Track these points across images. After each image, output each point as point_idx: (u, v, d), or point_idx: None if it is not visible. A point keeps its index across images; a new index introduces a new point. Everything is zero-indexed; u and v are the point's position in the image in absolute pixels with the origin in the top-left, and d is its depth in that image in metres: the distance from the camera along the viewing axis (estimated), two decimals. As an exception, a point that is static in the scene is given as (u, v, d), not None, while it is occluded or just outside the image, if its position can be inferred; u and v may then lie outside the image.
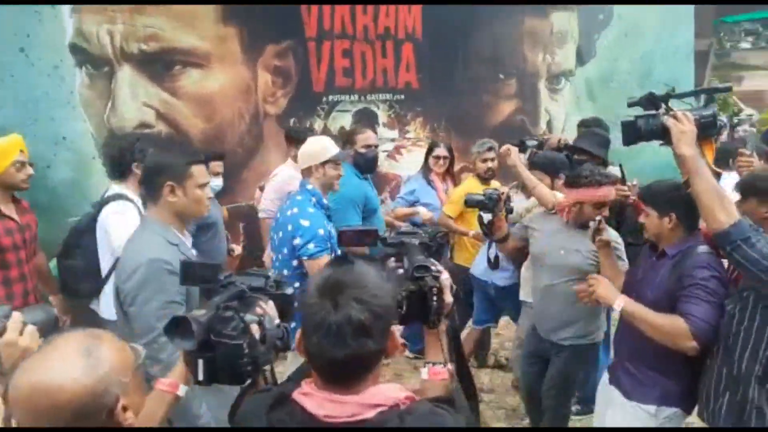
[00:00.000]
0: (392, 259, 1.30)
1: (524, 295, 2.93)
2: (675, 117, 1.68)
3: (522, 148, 3.23)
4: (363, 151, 3.02)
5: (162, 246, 1.71)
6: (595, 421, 2.28)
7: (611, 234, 2.17)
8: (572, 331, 2.37)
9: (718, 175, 1.85)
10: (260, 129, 3.91)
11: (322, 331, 0.91)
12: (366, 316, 0.92)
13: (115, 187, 2.56)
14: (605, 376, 2.16)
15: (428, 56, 4.18)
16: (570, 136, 4.52)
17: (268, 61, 3.87)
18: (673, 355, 1.80)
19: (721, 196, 1.64)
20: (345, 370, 0.95)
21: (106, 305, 2.41)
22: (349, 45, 3.99)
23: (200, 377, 1.13)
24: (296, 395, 0.98)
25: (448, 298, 1.21)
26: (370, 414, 0.93)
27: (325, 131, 4.05)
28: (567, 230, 2.36)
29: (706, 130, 1.77)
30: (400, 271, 1.25)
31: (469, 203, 2.59)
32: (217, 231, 2.95)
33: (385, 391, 0.97)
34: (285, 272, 2.30)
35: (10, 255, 2.37)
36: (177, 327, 1.09)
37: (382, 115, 4.22)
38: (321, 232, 2.27)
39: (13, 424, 0.94)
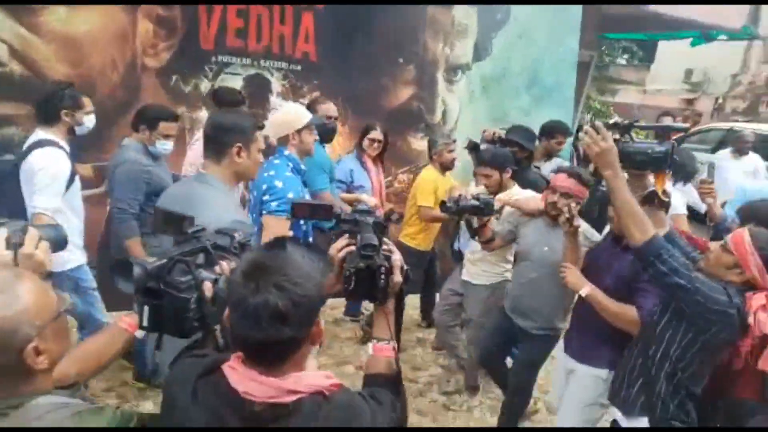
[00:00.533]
0: (346, 235, 1.32)
1: (467, 275, 3.18)
2: (589, 135, 1.75)
3: (475, 148, 3.48)
4: (325, 121, 3.21)
5: (231, 205, 1.83)
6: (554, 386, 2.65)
7: (582, 223, 2.37)
8: (542, 322, 2.61)
9: (665, 206, 1.96)
10: (137, 82, 3.56)
11: (241, 311, 0.94)
12: (284, 303, 0.93)
13: (41, 133, 2.47)
14: (561, 344, 2.45)
15: (330, 29, 4.05)
16: (463, 127, 4.71)
17: (150, 8, 3.50)
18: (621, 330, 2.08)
19: (636, 215, 1.75)
20: (261, 352, 0.97)
21: None
22: (245, 5, 3.73)
23: (144, 323, 1.14)
24: (224, 367, 0.99)
25: (398, 277, 1.25)
26: (288, 398, 0.95)
27: (212, 93, 3.78)
28: (551, 230, 2.54)
29: (657, 164, 1.89)
30: (353, 248, 1.27)
31: (464, 209, 2.55)
32: None
33: (308, 378, 0.99)
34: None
35: None
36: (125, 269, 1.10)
37: (277, 84, 4.03)
38: (290, 195, 2.32)
39: None
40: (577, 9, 5.00)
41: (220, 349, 1.19)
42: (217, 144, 1.83)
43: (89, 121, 2.73)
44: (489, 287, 3.10)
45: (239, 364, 0.99)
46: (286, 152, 2.49)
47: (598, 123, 1.82)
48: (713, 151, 7.39)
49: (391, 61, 4.36)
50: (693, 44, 8.17)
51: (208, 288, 1.13)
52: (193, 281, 1.12)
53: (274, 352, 0.97)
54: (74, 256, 2.48)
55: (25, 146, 2.49)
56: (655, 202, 1.95)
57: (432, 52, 4.49)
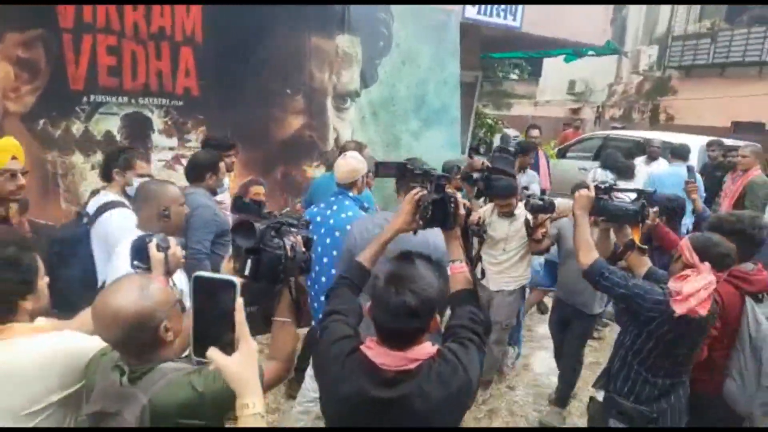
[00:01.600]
0: (418, 187, 1.73)
1: (494, 284, 3.48)
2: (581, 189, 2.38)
3: (467, 178, 3.79)
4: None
5: None
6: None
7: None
8: (590, 305, 3.30)
9: (643, 251, 2.33)
10: (-2, 128, 3.31)
11: (383, 308, 1.34)
12: (415, 303, 1.31)
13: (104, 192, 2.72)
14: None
15: (211, 63, 4.00)
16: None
17: (9, 51, 3.29)
18: None
19: (586, 245, 2.24)
20: (395, 337, 1.36)
21: None
22: (116, 42, 3.60)
23: (246, 272, 1.44)
24: (363, 348, 1.39)
25: (461, 209, 1.67)
26: (412, 365, 1.34)
27: (87, 134, 3.60)
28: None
29: (631, 219, 2.31)
30: (425, 192, 1.69)
31: (534, 209, 3.12)
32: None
33: (422, 349, 1.36)
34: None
35: None
36: (241, 229, 1.48)
37: (158, 121, 3.91)
38: None
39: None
40: (456, 35, 5.30)
41: (292, 296, 1.56)
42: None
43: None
44: (514, 292, 3.47)
45: (374, 344, 1.38)
46: (351, 194, 2.81)
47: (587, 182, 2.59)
48: (594, 158, 8.03)
49: (278, 92, 4.38)
50: (566, 60, 8.89)
51: (289, 249, 1.48)
52: (281, 243, 1.48)
53: (406, 338, 1.36)
54: None
55: (92, 204, 2.66)
56: (635, 249, 2.31)
57: (319, 80, 4.56)
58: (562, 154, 8.94)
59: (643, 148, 7.41)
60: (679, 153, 5.39)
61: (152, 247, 1.67)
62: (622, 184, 4.11)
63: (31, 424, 1.39)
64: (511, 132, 11.56)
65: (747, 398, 2.30)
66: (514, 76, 25.66)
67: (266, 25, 4.20)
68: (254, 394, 1.07)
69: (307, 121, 4.57)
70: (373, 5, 4.74)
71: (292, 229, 1.59)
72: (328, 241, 2.74)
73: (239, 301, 1.07)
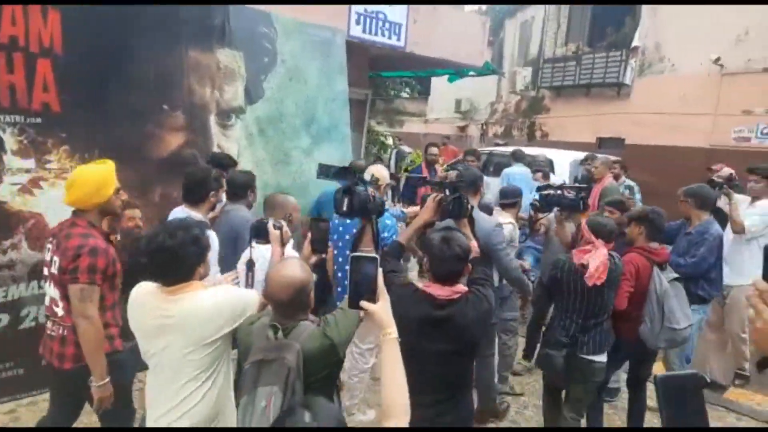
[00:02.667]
0: (437, 193, 2.64)
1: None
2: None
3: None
4: None
5: None
6: None
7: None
8: None
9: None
10: None
11: (440, 258, 2.19)
12: (460, 252, 2.18)
13: (189, 211, 3.10)
14: None
15: (74, 77, 3.64)
16: (247, 167, 4.62)
17: None
18: None
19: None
20: (447, 277, 2.21)
21: None
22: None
23: (344, 209, 2.49)
24: (423, 287, 2.25)
25: (469, 206, 2.64)
26: (455, 296, 2.21)
27: None
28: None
29: (573, 208, 3.85)
30: (441, 195, 2.60)
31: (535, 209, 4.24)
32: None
33: (460, 287, 2.25)
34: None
35: (117, 280, 2.61)
36: (341, 172, 2.71)
37: (11, 140, 3.48)
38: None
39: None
40: (342, 52, 5.33)
41: (374, 232, 2.62)
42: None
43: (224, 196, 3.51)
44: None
45: (429, 284, 2.24)
46: None
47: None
48: (481, 171, 8.46)
49: (154, 109, 4.09)
50: (450, 80, 9.35)
51: (372, 194, 2.56)
52: (366, 189, 2.53)
53: (453, 277, 2.22)
54: None
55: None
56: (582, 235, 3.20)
57: (200, 96, 4.34)
58: (450, 169, 9.32)
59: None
60: (518, 156, 7.17)
61: (270, 227, 2.50)
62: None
63: (209, 350, 1.97)
64: (405, 148, 11.92)
65: (654, 336, 3.26)
66: (405, 95, 26.55)
67: (137, 37, 3.93)
68: (391, 325, 1.57)
69: (189, 138, 4.32)
70: (253, 21, 4.63)
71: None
72: (347, 238, 3.39)
73: (379, 270, 1.56)
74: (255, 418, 1.70)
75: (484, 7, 26.78)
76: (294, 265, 1.91)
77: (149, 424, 2.06)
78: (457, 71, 8.50)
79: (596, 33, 14.13)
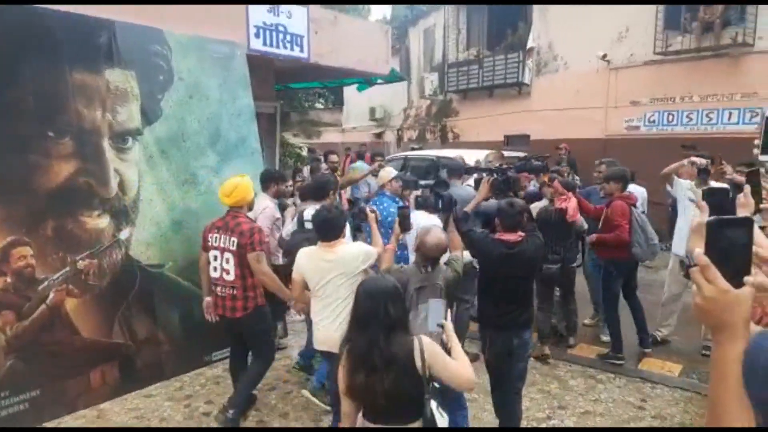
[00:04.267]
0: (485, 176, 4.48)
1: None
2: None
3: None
4: None
5: None
6: None
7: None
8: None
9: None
10: None
11: (509, 214, 3.41)
12: (522, 208, 3.50)
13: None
14: None
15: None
16: (147, 193, 4.41)
17: None
18: None
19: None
20: (514, 227, 3.40)
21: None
22: None
23: (437, 207, 3.97)
24: (498, 235, 3.42)
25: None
26: (519, 239, 3.37)
27: None
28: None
29: (537, 171, 5.61)
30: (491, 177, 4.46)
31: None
32: None
33: (520, 232, 3.41)
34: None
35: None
36: (439, 184, 4.84)
37: None
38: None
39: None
40: (243, 66, 5.22)
41: (456, 221, 3.68)
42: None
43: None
44: None
45: (501, 233, 3.42)
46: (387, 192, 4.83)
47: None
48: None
49: (38, 136, 3.80)
50: (359, 89, 9.44)
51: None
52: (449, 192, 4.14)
53: (517, 227, 3.42)
54: None
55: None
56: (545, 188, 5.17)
57: (90, 120, 4.08)
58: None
59: (436, 165, 8.17)
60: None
61: (368, 210, 3.90)
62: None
63: (352, 281, 3.08)
64: (334, 158, 11.88)
65: (644, 253, 4.84)
66: (319, 105, 26.50)
67: (11, 60, 3.64)
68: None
69: (81, 166, 4.04)
70: (143, 38, 4.43)
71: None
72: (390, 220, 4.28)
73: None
74: (417, 325, 2.82)
75: (388, 15, 27.32)
76: (441, 233, 3.19)
77: (317, 331, 3.40)
78: (365, 80, 8.59)
79: (494, 37, 14.82)
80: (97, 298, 4.19)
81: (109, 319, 4.28)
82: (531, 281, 3.60)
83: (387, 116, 20.12)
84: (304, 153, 11.52)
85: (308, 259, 3.31)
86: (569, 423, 3.98)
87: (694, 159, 4.98)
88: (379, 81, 8.76)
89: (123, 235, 4.33)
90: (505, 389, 3.44)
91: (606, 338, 5.25)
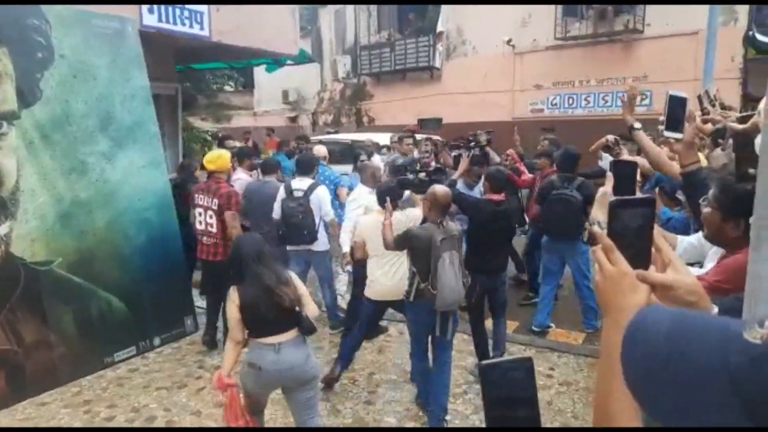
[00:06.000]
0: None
1: None
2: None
3: None
4: None
5: None
6: None
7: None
8: None
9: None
10: None
11: (496, 180, 4.27)
12: (504, 176, 4.58)
13: (307, 180, 4.92)
14: None
15: None
16: (28, 184, 3.98)
17: None
18: None
19: None
20: (500, 189, 4.27)
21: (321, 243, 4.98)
22: None
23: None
24: (488, 197, 4.23)
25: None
26: (503, 198, 4.32)
27: None
28: None
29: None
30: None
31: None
32: None
33: (503, 194, 4.36)
34: None
35: None
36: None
37: None
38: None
39: None
40: (136, 44, 4.83)
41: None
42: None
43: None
44: None
45: (489, 195, 4.24)
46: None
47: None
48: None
49: None
50: (268, 70, 9.11)
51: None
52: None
53: (502, 190, 4.30)
54: None
55: (306, 187, 4.82)
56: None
57: (-48, 102, 3.60)
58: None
59: (351, 147, 8.10)
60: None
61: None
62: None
63: None
64: (232, 143, 11.41)
65: None
66: (228, 88, 25.45)
67: None
68: None
69: (-55, 154, 3.57)
70: (17, 11, 3.96)
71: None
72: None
73: None
74: (447, 270, 3.36)
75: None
76: (443, 186, 3.61)
77: (378, 285, 3.99)
78: (273, 60, 8.29)
79: (404, 20, 14.89)
80: (-25, 301, 3.75)
81: (-9, 324, 3.85)
82: (510, 234, 4.53)
83: (301, 99, 19.69)
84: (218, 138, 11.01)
85: (371, 226, 3.91)
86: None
87: (608, 136, 5.30)
88: (288, 62, 8.50)
89: (1, 230, 3.90)
90: (480, 320, 4.35)
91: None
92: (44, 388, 4.12)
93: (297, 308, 2.82)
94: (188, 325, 5.09)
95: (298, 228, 4.72)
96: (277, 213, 4.86)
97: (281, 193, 4.88)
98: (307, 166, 5.02)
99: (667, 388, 0.58)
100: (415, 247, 3.48)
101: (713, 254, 2.01)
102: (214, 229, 4.61)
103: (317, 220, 4.80)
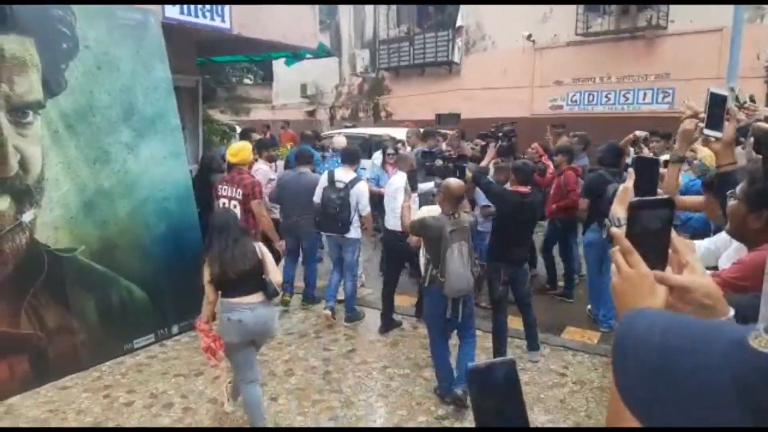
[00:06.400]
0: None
1: None
2: None
3: None
4: None
5: None
6: None
7: None
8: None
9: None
10: None
11: (524, 173, 4.41)
12: (530, 170, 4.66)
13: (351, 172, 5.24)
14: None
15: None
16: (52, 172, 4.07)
17: None
18: None
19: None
20: (527, 182, 4.40)
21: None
22: None
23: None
24: (513, 187, 4.39)
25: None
26: (530, 190, 4.44)
27: None
28: None
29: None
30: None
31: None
32: None
33: (529, 186, 4.52)
34: None
35: None
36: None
37: None
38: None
39: None
40: (158, 36, 4.89)
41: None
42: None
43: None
44: None
45: (516, 186, 4.38)
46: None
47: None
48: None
49: None
50: (287, 63, 9.15)
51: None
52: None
53: (529, 182, 4.48)
54: None
55: (348, 180, 5.11)
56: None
57: (-19, 92, 3.69)
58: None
59: (368, 143, 8.11)
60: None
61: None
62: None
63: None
64: (256, 135, 11.50)
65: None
66: (248, 81, 25.57)
67: None
68: None
69: (-27, 142, 3.66)
70: (43, 2, 4.03)
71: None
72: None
73: None
74: (455, 260, 3.60)
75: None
76: (457, 179, 3.84)
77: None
78: (292, 54, 8.33)
79: (423, 14, 14.82)
80: (0, 285, 3.86)
81: (15, 309, 3.96)
82: (534, 226, 4.61)
83: (319, 93, 19.75)
84: (237, 131, 11.10)
85: (430, 212, 4.10)
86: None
87: (637, 133, 5.30)
88: (307, 56, 8.52)
89: (26, 217, 3.99)
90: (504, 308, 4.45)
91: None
92: (66, 372, 4.22)
93: (264, 276, 3.35)
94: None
95: (333, 218, 5.04)
96: (317, 198, 5.15)
97: (323, 181, 5.18)
98: (353, 157, 5.30)
99: (665, 402, 0.57)
100: (428, 236, 3.74)
101: (727, 256, 1.99)
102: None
103: (353, 214, 5.06)
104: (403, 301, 5.75)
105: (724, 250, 2.04)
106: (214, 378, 4.27)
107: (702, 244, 2.26)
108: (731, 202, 1.76)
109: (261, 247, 3.44)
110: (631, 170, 1.12)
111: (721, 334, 0.57)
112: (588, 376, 4.38)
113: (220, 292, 3.36)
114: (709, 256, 2.18)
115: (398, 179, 5.06)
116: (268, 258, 3.41)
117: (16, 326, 3.96)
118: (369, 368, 4.44)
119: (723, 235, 2.02)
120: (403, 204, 4.08)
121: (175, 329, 4.92)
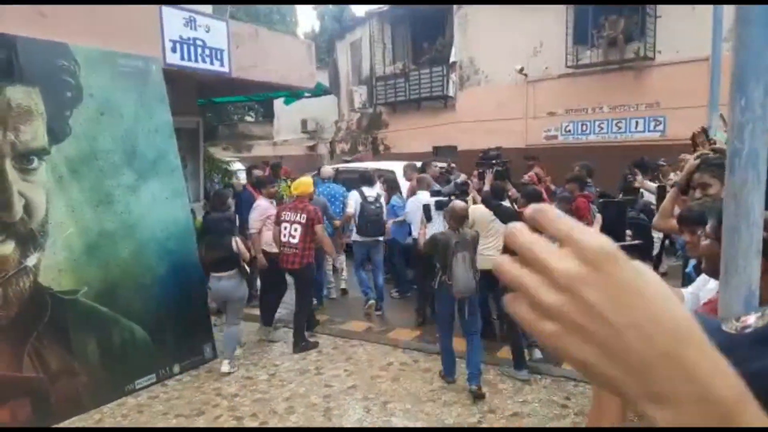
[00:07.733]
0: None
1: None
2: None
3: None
4: None
5: None
6: None
7: None
8: None
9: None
10: None
11: (531, 195, 4.92)
12: (536, 192, 5.23)
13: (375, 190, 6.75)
14: None
15: None
16: (56, 215, 4.16)
17: None
18: None
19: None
20: (535, 201, 3.49)
21: None
22: None
23: None
24: (519, 208, 4.88)
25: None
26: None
27: None
28: None
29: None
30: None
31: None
32: None
33: None
34: None
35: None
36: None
37: None
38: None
39: None
40: (160, 81, 5.06)
41: None
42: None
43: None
44: None
45: (523, 207, 4.08)
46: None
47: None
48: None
49: (-72, 159, 3.52)
50: (286, 102, 9.37)
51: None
52: None
53: (537, 201, 3.71)
54: None
55: (375, 195, 6.66)
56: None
57: (-10, 140, 3.82)
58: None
59: (364, 176, 8.25)
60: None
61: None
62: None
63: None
64: (258, 172, 11.65)
65: None
66: (249, 119, 25.98)
67: None
68: None
69: (-21, 189, 3.77)
70: (47, 53, 4.21)
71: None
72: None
73: None
74: (459, 266, 4.27)
75: (317, 27, 27.28)
76: (462, 203, 4.67)
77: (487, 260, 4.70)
78: (292, 93, 8.55)
79: (418, 51, 15.20)
80: (4, 329, 3.91)
81: (18, 352, 4.00)
82: None
83: (319, 129, 20.09)
84: (235, 166, 11.26)
85: (480, 212, 5.04)
86: (499, 426, 4.10)
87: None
88: (306, 95, 8.75)
89: (30, 261, 4.07)
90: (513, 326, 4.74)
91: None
92: (68, 415, 4.22)
93: (241, 261, 4.96)
94: (207, 352, 5.19)
95: (376, 224, 6.47)
96: (353, 209, 6.56)
97: (357, 198, 6.55)
98: (370, 179, 6.87)
99: None
100: (438, 248, 4.49)
101: (709, 290, 2.01)
102: (295, 240, 5.46)
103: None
104: (404, 334, 5.76)
105: (707, 291, 2.04)
106: (215, 417, 4.26)
107: (687, 292, 2.25)
108: (704, 243, 1.79)
109: (238, 242, 4.96)
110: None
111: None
112: (590, 407, 4.37)
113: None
114: (694, 301, 2.17)
115: (421, 197, 6.23)
116: (242, 248, 4.98)
117: (19, 369, 3.99)
118: (370, 404, 4.44)
119: (703, 276, 2.04)
120: (420, 231, 5.52)
121: (176, 368, 4.93)
